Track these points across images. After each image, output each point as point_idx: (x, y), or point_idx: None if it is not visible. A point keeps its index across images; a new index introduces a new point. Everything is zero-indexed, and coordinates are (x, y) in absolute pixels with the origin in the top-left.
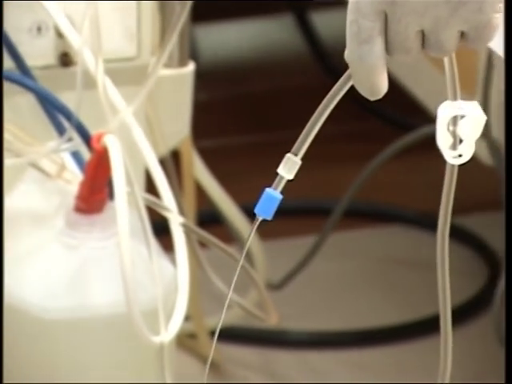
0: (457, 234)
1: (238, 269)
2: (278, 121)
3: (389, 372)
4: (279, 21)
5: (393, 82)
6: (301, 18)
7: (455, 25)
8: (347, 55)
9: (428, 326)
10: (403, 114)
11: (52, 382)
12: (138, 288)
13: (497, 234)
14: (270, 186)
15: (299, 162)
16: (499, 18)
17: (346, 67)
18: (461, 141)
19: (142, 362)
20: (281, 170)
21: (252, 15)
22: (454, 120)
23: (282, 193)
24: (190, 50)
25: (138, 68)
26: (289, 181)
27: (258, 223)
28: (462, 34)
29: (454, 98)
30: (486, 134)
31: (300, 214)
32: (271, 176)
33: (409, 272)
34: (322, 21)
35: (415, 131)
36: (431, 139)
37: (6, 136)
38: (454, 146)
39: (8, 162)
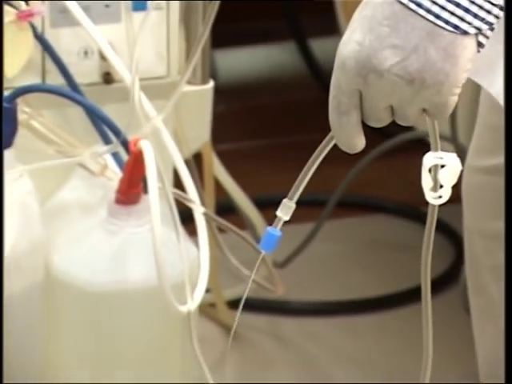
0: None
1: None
2: (282, 128)
3: (375, 335)
4: (284, 47)
5: None
6: (302, 44)
7: (418, 103)
8: (330, 122)
9: (406, 297)
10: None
11: (96, 347)
12: (168, 265)
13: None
14: (275, 181)
15: (293, 206)
16: (455, 99)
17: None
18: (441, 186)
19: (171, 326)
20: (279, 212)
21: (261, 42)
22: (436, 167)
23: (285, 195)
24: (210, 71)
25: (168, 85)
26: (290, 182)
27: (260, 258)
28: (424, 109)
29: (436, 150)
30: (454, 138)
31: (300, 205)
32: (276, 173)
33: (390, 253)
34: (319, 47)
35: (396, 137)
36: (409, 144)
37: (59, 141)
38: (434, 189)
39: (59, 161)
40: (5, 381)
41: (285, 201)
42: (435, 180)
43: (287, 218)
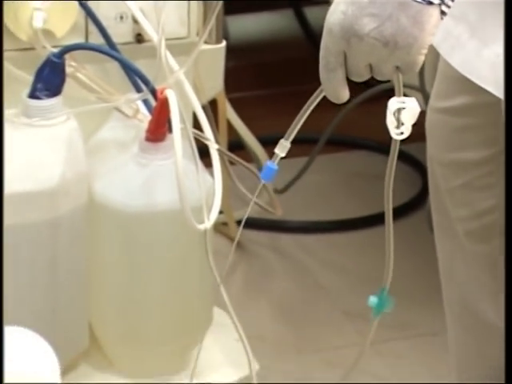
0: (400, 156)
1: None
2: (281, 80)
3: (357, 248)
4: (283, 14)
5: None
6: (297, 11)
7: (392, 62)
8: (320, 78)
9: (382, 218)
10: None
11: (130, 259)
12: (188, 192)
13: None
14: (276, 123)
15: (288, 146)
16: (423, 58)
17: None
18: (402, 124)
19: (191, 242)
20: (277, 150)
21: (265, 10)
22: (398, 110)
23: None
24: (223, 33)
25: (188, 44)
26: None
27: (261, 186)
28: (397, 67)
29: (399, 95)
30: (422, 88)
31: (297, 142)
32: (276, 116)
33: (369, 182)
34: (311, 14)
35: (375, 87)
36: (385, 92)
37: (99, 89)
38: (397, 127)
39: (99, 106)
40: (53, 290)
41: (281, 141)
42: (398, 120)
43: (283, 154)
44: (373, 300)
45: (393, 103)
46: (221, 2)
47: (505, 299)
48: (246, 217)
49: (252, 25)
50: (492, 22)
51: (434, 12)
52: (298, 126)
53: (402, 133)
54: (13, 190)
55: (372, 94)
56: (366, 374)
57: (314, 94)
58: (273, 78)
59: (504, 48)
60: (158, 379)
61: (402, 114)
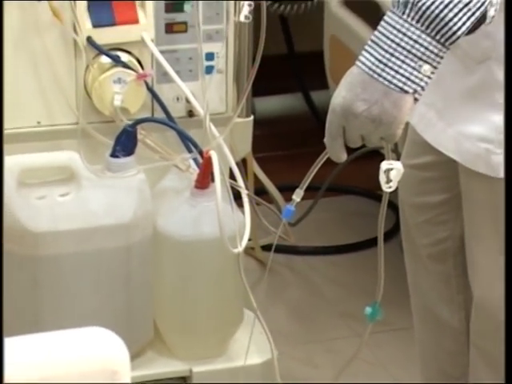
0: (380, 199)
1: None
2: (293, 145)
3: (353, 267)
4: (295, 96)
5: None
6: (306, 95)
7: (377, 134)
8: (325, 143)
9: (369, 244)
10: None
11: (182, 279)
12: (226, 225)
13: None
14: (290, 176)
15: (302, 193)
16: (400, 131)
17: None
18: (391, 180)
19: (228, 262)
20: (294, 196)
21: (282, 93)
22: (388, 170)
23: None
24: (251, 109)
25: (226, 118)
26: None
27: (282, 224)
28: (382, 137)
29: (388, 159)
30: (396, 149)
31: (305, 189)
32: (290, 171)
33: (358, 218)
34: (316, 96)
35: (362, 149)
36: (370, 153)
37: (161, 151)
38: (387, 182)
39: (162, 163)
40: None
41: (297, 190)
42: (387, 178)
43: (299, 199)
44: (368, 310)
45: (384, 165)
46: (250, 87)
47: (505, 300)
48: (274, 244)
49: (273, 104)
50: (454, 107)
51: (409, 99)
52: (309, 179)
53: (390, 187)
54: (97, 224)
55: (360, 154)
56: (355, 359)
57: (321, 156)
58: (287, 143)
59: (505, 52)
60: (204, 361)
61: (390, 173)
